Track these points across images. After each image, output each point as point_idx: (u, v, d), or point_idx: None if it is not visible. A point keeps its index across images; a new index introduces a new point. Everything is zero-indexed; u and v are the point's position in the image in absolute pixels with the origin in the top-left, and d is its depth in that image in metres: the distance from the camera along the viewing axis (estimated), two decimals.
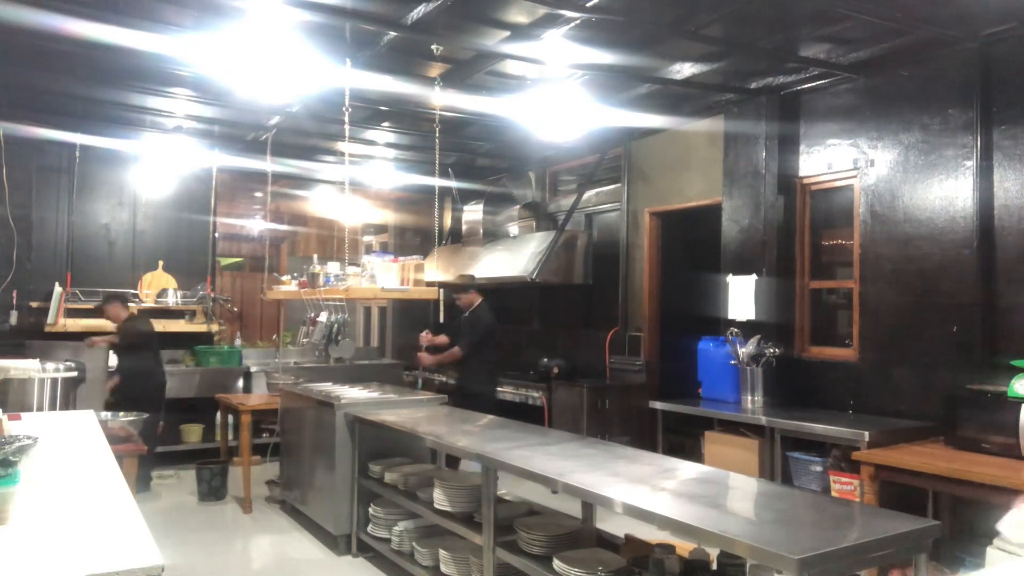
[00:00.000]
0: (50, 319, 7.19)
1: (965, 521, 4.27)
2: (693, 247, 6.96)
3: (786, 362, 5.50)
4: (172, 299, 7.81)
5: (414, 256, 6.10)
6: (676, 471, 3.34)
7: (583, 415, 6.58)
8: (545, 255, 7.09)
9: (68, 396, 4.40)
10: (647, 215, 7.05)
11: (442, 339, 6.54)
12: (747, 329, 5.58)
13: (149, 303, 7.72)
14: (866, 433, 4.32)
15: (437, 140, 6.09)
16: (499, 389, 6.96)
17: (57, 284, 7.29)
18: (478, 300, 6.42)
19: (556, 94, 5.59)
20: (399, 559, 4.45)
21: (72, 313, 7.29)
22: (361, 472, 4.93)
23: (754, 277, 5.69)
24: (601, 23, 4.47)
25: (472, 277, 6.97)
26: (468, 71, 5.46)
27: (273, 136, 7.33)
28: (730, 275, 5.89)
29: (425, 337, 6.55)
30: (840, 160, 5.40)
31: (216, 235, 8.48)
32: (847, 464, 4.46)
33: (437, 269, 7.97)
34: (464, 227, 8.77)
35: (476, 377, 6.35)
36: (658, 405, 5.80)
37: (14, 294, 7.19)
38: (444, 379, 7.83)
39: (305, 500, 5.53)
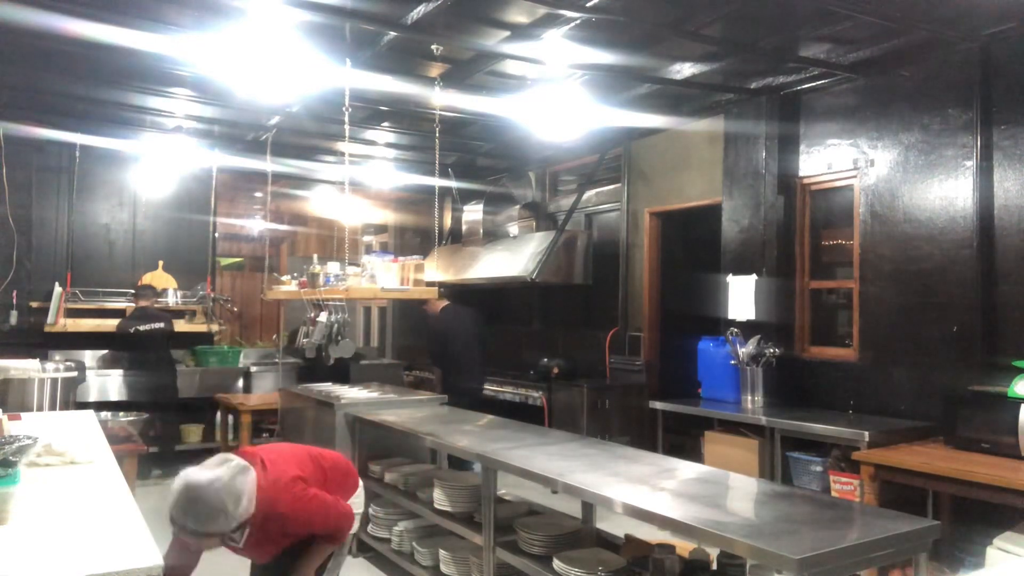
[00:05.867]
0: (50, 319, 7.18)
1: (965, 521, 4.27)
2: (693, 247, 6.96)
3: (786, 362, 5.50)
4: (172, 299, 7.80)
5: (414, 256, 6.09)
6: (676, 471, 3.35)
7: (583, 415, 6.58)
8: (545, 255, 7.08)
9: (68, 396, 4.40)
10: (647, 215, 7.04)
11: None
12: (747, 329, 5.58)
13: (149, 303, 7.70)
14: (866, 433, 4.32)
15: (437, 140, 6.08)
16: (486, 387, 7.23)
17: (57, 284, 7.28)
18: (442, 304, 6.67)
19: (556, 94, 5.58)
20: (399, 559, 4.45)
21: (72, 313, 7.28)
22: (361, 472, 4.89)
23: (754, 277, 5.68)
24: (601, 23, 4.47)
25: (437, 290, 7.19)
26: (468, 71, 5.46)
27: (273, 136, 7.32)
28: (730, 275, 5.88)
29: None
30: (840, 160, 5.39)
31: (216, 235, 8.47)
32: (847, 464, 4.46)
33: (437, 269, 7.96)
34: (464, 227, 8.76)
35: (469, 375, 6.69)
36: (658, 405, 5.80)
37: (14, 294, 7.18)
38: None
39: None
